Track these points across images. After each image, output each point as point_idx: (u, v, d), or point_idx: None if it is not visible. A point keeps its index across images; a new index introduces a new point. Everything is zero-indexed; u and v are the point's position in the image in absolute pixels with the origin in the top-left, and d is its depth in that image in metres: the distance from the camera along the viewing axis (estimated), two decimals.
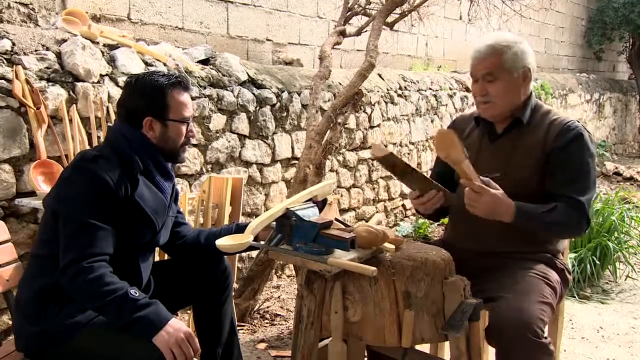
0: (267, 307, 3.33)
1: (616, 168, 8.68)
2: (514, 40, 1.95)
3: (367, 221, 1.89)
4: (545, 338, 1.66)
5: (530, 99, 2.00)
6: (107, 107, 2.78)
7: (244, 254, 3.60)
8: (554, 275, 1.92)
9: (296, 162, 3.83)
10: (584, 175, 1.89)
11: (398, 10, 3.66)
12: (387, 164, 1.69)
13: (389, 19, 3.63)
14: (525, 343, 1.62)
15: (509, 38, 1.95)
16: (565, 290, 2.03)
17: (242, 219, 2.90)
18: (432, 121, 5.70)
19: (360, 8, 3.81)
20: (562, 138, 1.91)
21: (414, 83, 5.52)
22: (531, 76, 1.98)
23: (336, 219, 1.76)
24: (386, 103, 4.99)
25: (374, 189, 4.93)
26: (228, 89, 3.50)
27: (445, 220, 2.26)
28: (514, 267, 1.90)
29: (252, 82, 3.72)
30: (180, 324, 1.59)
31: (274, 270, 3.72)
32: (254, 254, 3.41)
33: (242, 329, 3.01)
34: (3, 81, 2.44)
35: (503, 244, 1.95)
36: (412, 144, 5.42)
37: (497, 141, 2.02)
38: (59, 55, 2.72)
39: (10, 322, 2.43)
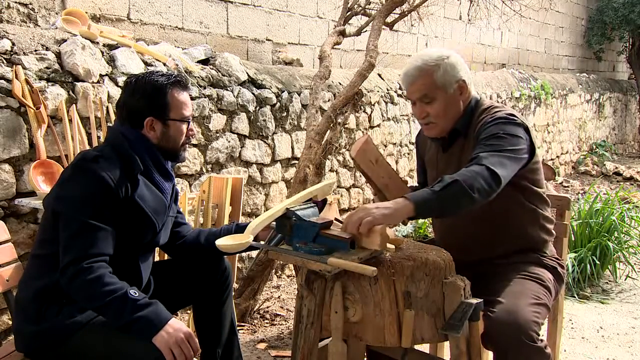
0: (267, 307, 3.33)
1: (616, 168, 8.69)
2: (440, 56, 1.89)
3: None
4: (541, 341, 1.66)
5: (469, 104, 1.96)
6: (107, 107, 2.78)
7: (244, 254, 3.60)
8: (546, 274, 1.92)
9: (296, 162, 3.83)
10: (490, 142, 1.75)
11: (398, 10, 3.67)
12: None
13: (389, 19, 3.63)
14: (521, 348, 1.62)
15: (436, 55, 1.90)
16: (560, 286, 2.02)
17: (242, 219, 2.90)
18: None
19: (360, 8, 3.81)
20: (481, 128, 1.84)
21: None
22: (468, 86, 1.93)
23: (336, 219, 1.76)
24: (386, 103, 4.99)
25: None
26: (228, 89, 3.50)
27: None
28: (504, 271, 1.90)
29: (252, 82, 3.72)
30: (180, 324, 1.59)
31: (274, 270, 3.72)
32: (254, 254, 3.41)
33: (242, 329, 3.01)
34: (3, 81, 2.44)
35: (490, 250, 1.95)
36: (412, 144, 5.42)
37: (448, 151, 2.02)
38: (58, 55, 2.72)
39: (10, 322, 2.43)
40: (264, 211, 3.26)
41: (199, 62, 3.51)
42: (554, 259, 2.02)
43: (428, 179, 2.15)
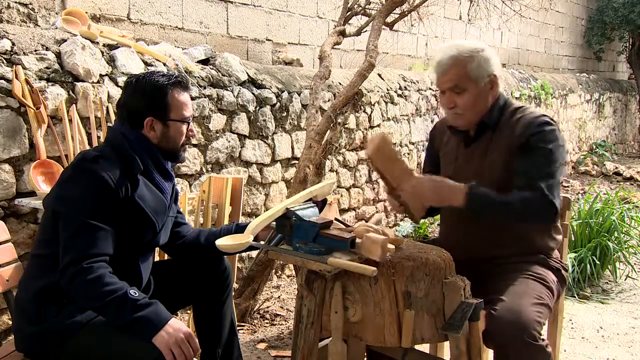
0: (267, 307, 3.33)
1: (616, 168, 8.69)
2: (475, 48, 1.89)
3: (367, 221, 1.89)
4: (543, 340, 1.66)
5: (498, 101, 1.96)
6: (107, 107, 2.78)
7: (244, 254, 3.60)
8: (549, 275, 1.92)
9: (296, 162, 3.83)
10: (544, 161, 1.82)
11: (398, 10, 3.67)
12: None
13: (389, 19, 3.63)
14: (523, 346, 1.62)
15: (471, 47, 1.90)
16: (562, 288, 2.03)
17: (242, 219, 2.90)
18: (432, 121, 5.70)
19: (360, 8, 3.81)
20: (526, 132, 1.86)
21: (414, 83, 5.52)
22: (498, 82, 1.94)
23: (336, 219, 1.76)
24: (386, 103, 4.99)
25: (373, 189, 4.93)
26: (228, 89, 3.50)
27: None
28: (508, 271, 1.90)
29: (252, 82, 3.72)
30: (180, 324, 1.59)
31: (274, 270, 3.72)
32: (254, 254, 3.41)
33: (242, 329, 3.01)
34: (3, 81, 2.44)
35: (494, 249, 1.95)
36: (412, 143, 5.42)
37: (471, 145, 2.01)
38: (58, 55, 2.72)
39: (10, 322, 2.43)
40: (264, 211, 3.26)
41: (199, 62, 3.51)
42: (557, 261, 2.02)
43: (442, 173, 2.13)
